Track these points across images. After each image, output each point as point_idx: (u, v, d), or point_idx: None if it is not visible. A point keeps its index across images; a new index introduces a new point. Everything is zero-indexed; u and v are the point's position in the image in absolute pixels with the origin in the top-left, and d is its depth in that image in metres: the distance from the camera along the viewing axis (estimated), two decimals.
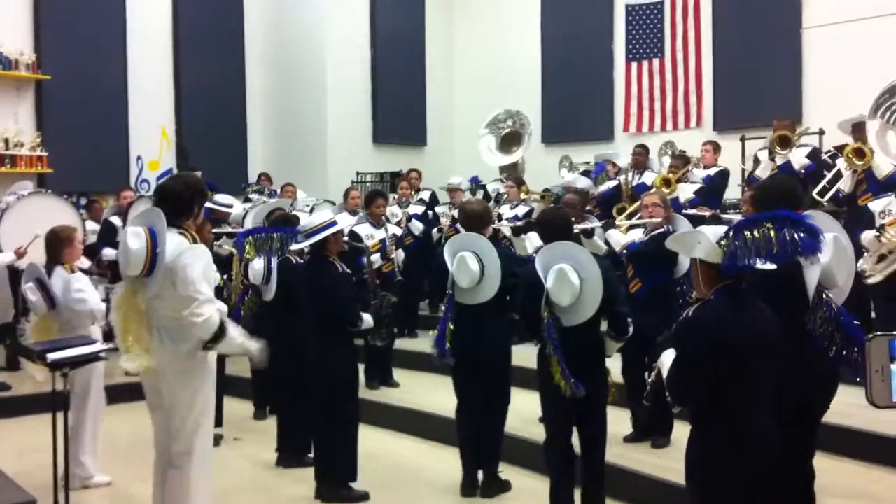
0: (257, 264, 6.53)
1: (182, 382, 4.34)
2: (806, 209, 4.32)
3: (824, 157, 8.46)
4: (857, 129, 7.66)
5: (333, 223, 5.67)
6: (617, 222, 6.81)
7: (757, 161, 8.63)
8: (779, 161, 8.17)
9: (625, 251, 6.29)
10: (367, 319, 5.75)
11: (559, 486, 4.92)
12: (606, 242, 6.67)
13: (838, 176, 7.77)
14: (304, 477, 5.83)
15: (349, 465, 5.68)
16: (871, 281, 6.25)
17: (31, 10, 11.12)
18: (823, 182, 7.85)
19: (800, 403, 4.03)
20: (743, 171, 10.16)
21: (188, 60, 12.61)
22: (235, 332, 4.42)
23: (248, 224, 7.73)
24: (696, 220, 7.18)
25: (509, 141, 11.02)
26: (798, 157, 8.18)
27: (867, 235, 6.37)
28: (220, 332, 4.27)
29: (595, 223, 7.05)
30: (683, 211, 7.88)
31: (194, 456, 4.41)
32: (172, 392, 4.36)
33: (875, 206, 6.64)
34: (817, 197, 7.73)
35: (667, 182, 8.58)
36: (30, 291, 5.82)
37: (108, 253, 8.89)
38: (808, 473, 4.24)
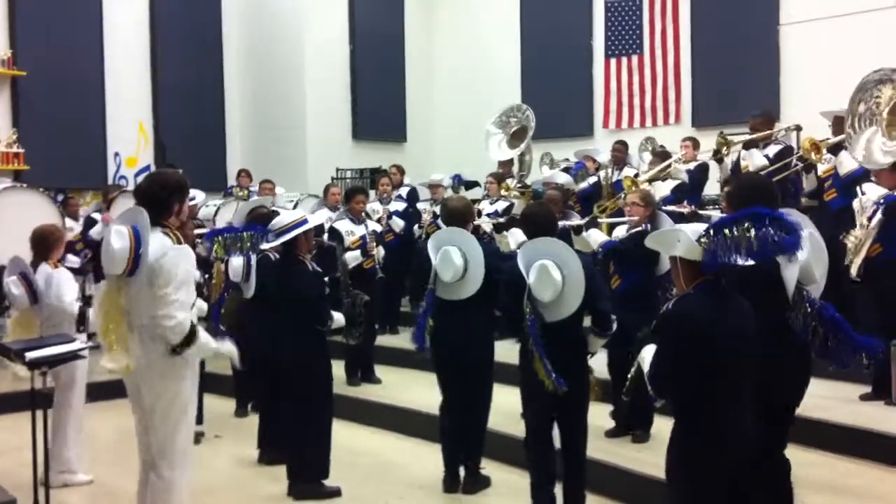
0: (237, 262, 6.49)
1: (162, 383, 4.29)
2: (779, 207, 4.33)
3: (796, 162, 8.32)
4: (838, 122, 7.47)
5: (304, 222, 5.58)
6: (599, 220, 6.81)
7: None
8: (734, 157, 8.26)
9: (600, 249, 6.31)
10: (338, 318, 5.71)
11: (540, 481, 4.93)
12: None
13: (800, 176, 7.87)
14: (282, 475, 5.81)
15: (322, 462, 5.67)
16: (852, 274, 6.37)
17: (6, 5, 11.02)
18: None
19: (777, 398, 4.06)
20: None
21: (166, 55, 12.55)
22: (206, 338, 4.38)
23: (224, 221, 7.67)
24: (675, 218, 7.17)
25: (517, 136, 10.92)
26: (756, 160, 8.15)
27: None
28: (190, 338, 4.21)
29: (578, 220, 7.06)
30: (660, 208, 7.88)
31: (174, 456, 4.37)
32: (152, 392, 4.31)
33: (856, 204, 6.58)
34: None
35: (636, 184, 8.57)
36: (13, 285, 5.77)
37: (94, 232, 8.88)
38: (784, 465, 4.27)
